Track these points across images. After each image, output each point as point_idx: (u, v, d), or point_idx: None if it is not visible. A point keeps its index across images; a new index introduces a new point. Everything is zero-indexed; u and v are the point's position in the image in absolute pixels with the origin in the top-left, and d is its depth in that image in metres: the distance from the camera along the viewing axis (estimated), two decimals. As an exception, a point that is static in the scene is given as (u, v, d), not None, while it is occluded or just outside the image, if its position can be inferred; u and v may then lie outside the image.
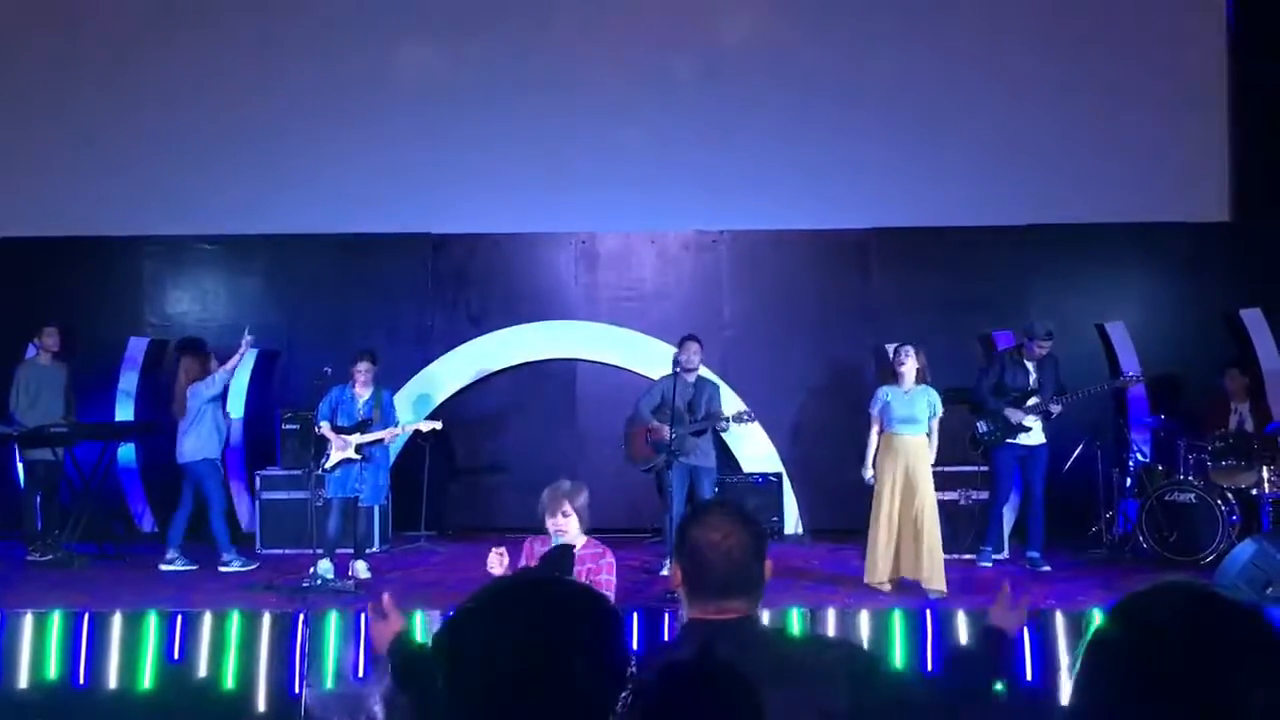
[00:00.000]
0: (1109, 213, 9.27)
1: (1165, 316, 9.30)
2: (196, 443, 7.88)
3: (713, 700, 1.88)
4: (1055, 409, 7.73)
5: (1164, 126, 9.38)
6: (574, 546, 4.42)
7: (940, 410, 7.04)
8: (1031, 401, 7.75)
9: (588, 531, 4.89)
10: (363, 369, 7.79)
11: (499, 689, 1.16)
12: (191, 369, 8.01)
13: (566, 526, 4.46)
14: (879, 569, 6.91)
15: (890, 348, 9.13)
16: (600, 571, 4.47)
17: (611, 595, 4.38)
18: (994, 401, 7.77)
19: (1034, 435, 7.80)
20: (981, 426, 7.82)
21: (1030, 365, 7.85)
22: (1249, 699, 1.21)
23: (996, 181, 9.38)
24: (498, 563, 4.39)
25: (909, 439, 6.97)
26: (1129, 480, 8.21)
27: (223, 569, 7.75)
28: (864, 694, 1.98)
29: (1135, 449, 8.39)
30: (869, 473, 7.09)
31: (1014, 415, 7.67)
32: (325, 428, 7.73)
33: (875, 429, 7.10)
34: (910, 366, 7.03)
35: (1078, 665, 1.33)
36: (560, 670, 1.15)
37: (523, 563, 4.67)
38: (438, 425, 8.08)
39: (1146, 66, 9.41)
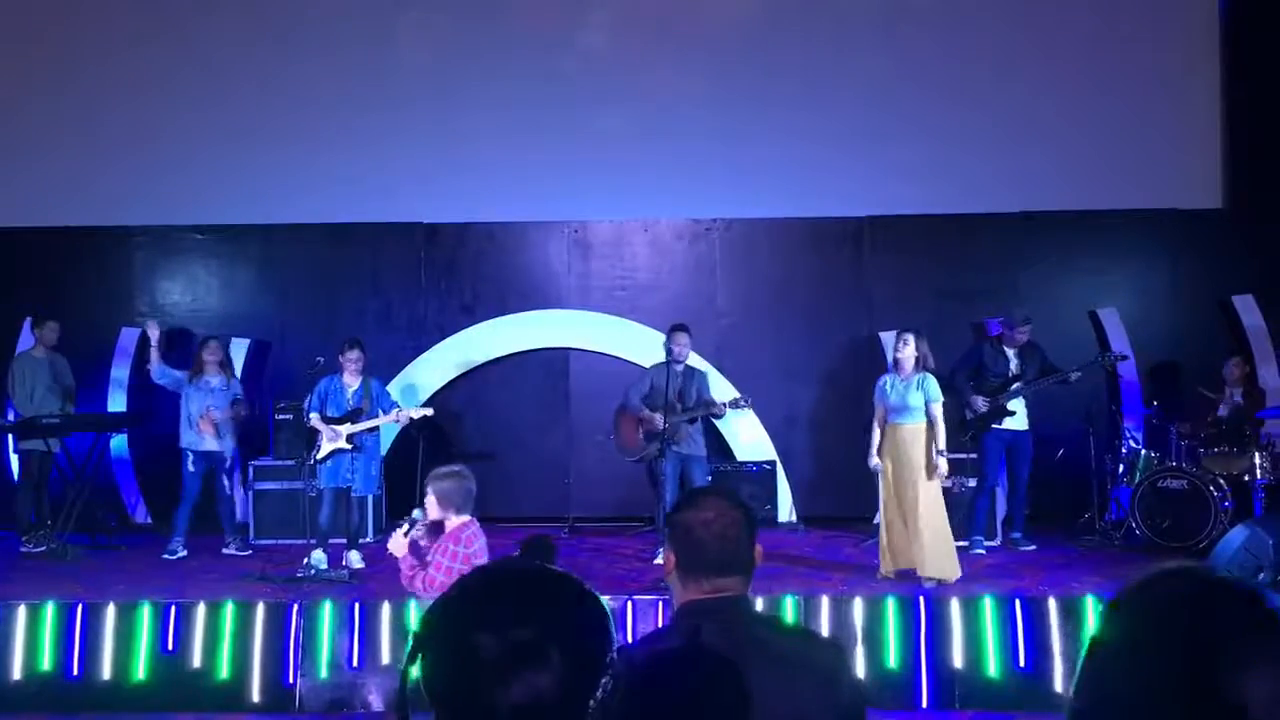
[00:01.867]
0: (1102, 200, 9.27)
1: (1158, 303, 9.32)
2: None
3: (704, 677, 1.90)
4: (1075, 375, 7.88)
5: (1157, 113, 9.38)
6: (548, 537, 4.65)
7: (938, 396, 6.87)
8: (1015, 387, 7.87)
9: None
10: (354, 357, 7.78)
11: (477, 676, 1.15)
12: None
13: (427, 505, 4.73)
14: (884, 561, 6.89)
15: (886, 335, 9.18)
16: (441, 554, 4.66)
17: (439, 577, 4.58)
18: (966, 389, 7.90)
19: (1018, 420, 7.90)
20: (968, 413, 7.89)
21: (1011, 352, 7.96)
22: (1257, 688, 1.17)
23: (989, 169, 9.37)
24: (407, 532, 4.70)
25: (903, 429, 6.85)
26: (1121, 466, 8.23)
27: (165, 555, 7.84)
28: (844, 695, 2.04)
29: (1128, 435, 8.42)
30: (874, 461, 7.02)
31: (976, 403, 7.74)
32: (315, 419, 7.73)
33: (877, 417, 7.06)
34: (908, 354, 6.88)
35: (1079, 669, 1.29)
36: (539, 656, 1.14)
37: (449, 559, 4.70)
38: (429, 412, 8.04)
39: (1139, 53, 9.41)
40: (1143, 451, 8.17)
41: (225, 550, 8.02)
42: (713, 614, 2.03)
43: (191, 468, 8.02)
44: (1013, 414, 7.86)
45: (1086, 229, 9.31)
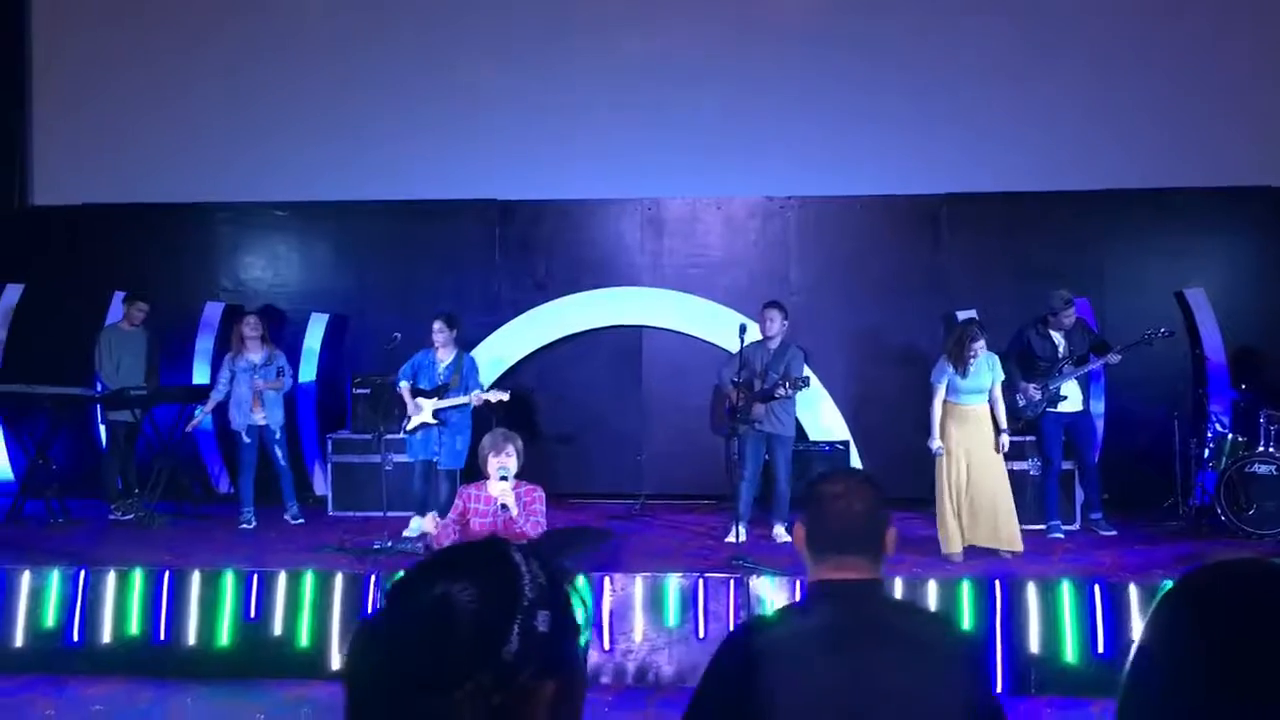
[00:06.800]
0: (1189, 176, 9.01)
1: (1248, 283, 9.03)
2: None
3: (827, 659, 1.91)
4: (1115, 359, 7.65)
5: (1246, 86, 9.07)
6: (609, 531, 4.87)
7: (1002, 375, 7.23)
8: (1064, 370, 7.75)
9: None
10: (436, 328, 7.86)
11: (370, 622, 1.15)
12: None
13: (509, 463, 4.96)
14: (955, 540, 6.90)
15: (964, 314, 9.03)
16: (534, 502, 5.05)
17: (543, 521, 5.05)
18: (1015, 375, 7.77)
19: (1072, 403, 7.81)
20: (1020, 400, 7.73)
21: (1058, 335, 7.82)
22: None
23: (1072, 145, 9.15)
24: (432, 525, 5.19)
25: (979, 409, 7.08)
26: (1207, 451, 8.02)
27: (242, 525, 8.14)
28: (979, 688, 1.98)
29: (1214, 419, 8.19)
30: (937, 443, 7.09)
31: (1028, 390, 7.69)
32: (404, 388, 7.89)
33: (939, 399, 7.11)
34: (982, 345, 7.06)
35: (1134, 649, 1.26)
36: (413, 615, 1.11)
37: (460, 505, 5.13)
38: (504, 396, 7.90)
39: (1226, 23, 9.11)
40: (1229, 435, 7.94)
41: (286, 517, 8.31)
42: (839, 596, 2.03)
43: (247, 439, 8.23)
44: (1065, 398, 7.73)
45: (1172, 207, 9.06)
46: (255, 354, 8.30)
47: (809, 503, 2.14)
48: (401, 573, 1.20)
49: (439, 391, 7.82)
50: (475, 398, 7.86)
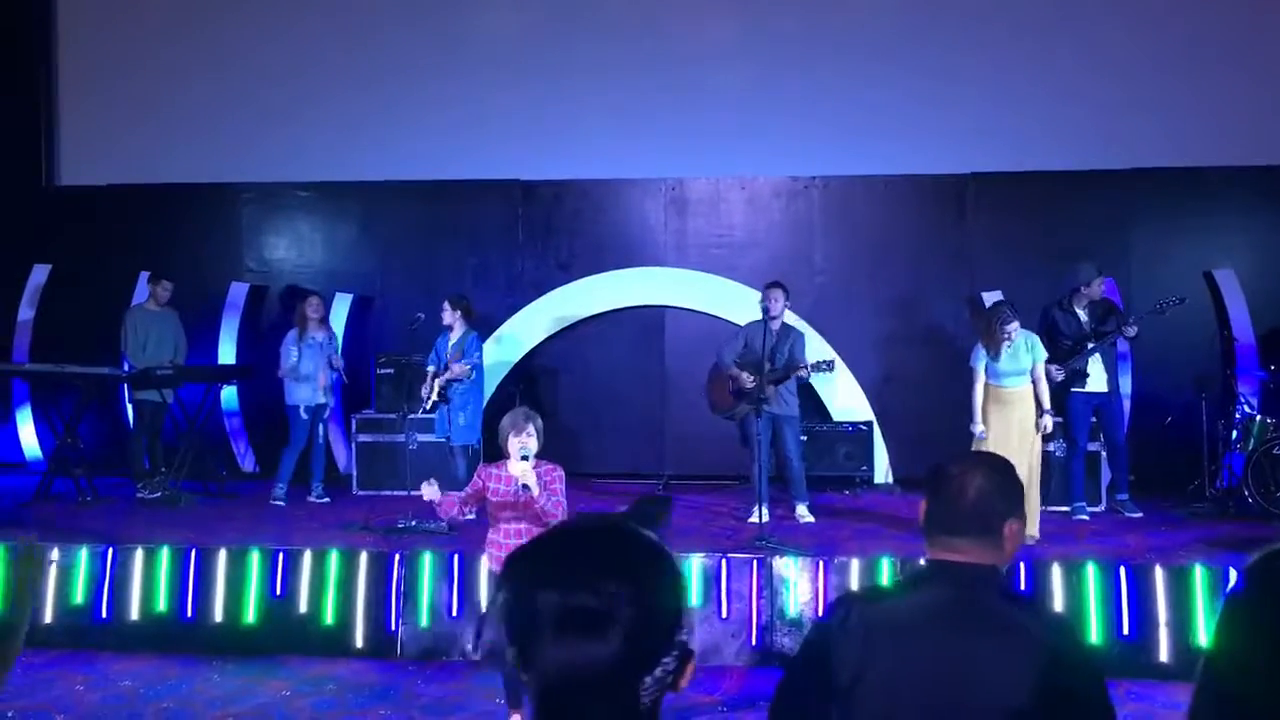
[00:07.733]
0: (1218, 155, 8.89)
1: (1277, 264, 8.91)
2: None
3: (915, 638, 1.92)
4: (1130, 330, 7.55)
5: (1274, 65, 8.93)
6: (661, 499, 4.73)
7: (1044, 354, 7.03)
8: (1090, 346, 7.63)
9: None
10: (443, 308, 8.08)
11: (533, 632, 1.14)
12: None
13: (530, 443, 4.84)
14: None
15: (988, 295, 8.97)
16: (554, 481, 4.91)
17: (564, 501, 4.87)
18: None
19: (1098, 383, 7.70)
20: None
21: (1083, 312, 7.71)
22: None
23: (1099, 124, 9.04)
24: (429, 491, 4.93)
25: (1019, 390, 6.92)
26: (1235, 432, 7.95)
27: (272, 501, 8.22)
28: (1069, 677, 1.88)
29: (1242, 401, 8.11)
30: (980, 427, 6.97)
31: (1050, 372, 7.53)
32: (429, 372, 8.08)
33: (980, 383, 7.00)
34: (1015, 327, 6.92)
35: (1215, 623, 1.27)
36: (597, 625, 1.12)
37: (479, 482, 4.98)
38: (454, 371, 7.97)
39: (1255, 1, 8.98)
40: (1258, 417, 7.86)
41: (310, 498, 8.33)
42: (941, 577, 2.01)
43: (305, 416, 8.31)
44: (1088, 375, 7.64)
45: (1202, 186, 8.95)
46: (319, 333, 8.45)
47: (929, 481, 2.11)
48: (526, 571, 1.19)
49: (445, 370, 8.00)
50: (453, 370, 7.94)
